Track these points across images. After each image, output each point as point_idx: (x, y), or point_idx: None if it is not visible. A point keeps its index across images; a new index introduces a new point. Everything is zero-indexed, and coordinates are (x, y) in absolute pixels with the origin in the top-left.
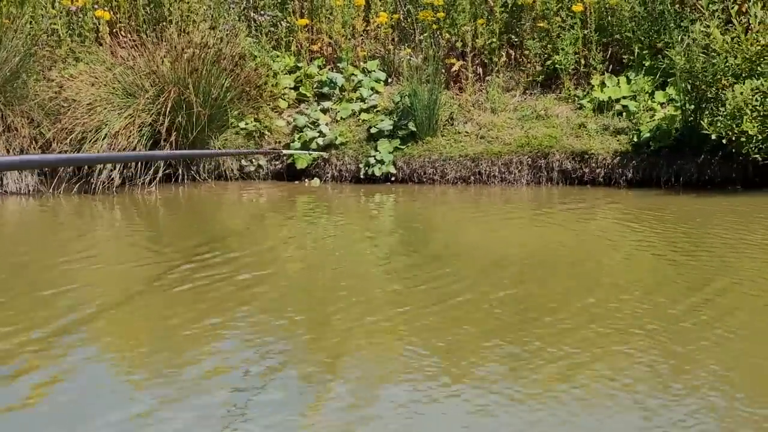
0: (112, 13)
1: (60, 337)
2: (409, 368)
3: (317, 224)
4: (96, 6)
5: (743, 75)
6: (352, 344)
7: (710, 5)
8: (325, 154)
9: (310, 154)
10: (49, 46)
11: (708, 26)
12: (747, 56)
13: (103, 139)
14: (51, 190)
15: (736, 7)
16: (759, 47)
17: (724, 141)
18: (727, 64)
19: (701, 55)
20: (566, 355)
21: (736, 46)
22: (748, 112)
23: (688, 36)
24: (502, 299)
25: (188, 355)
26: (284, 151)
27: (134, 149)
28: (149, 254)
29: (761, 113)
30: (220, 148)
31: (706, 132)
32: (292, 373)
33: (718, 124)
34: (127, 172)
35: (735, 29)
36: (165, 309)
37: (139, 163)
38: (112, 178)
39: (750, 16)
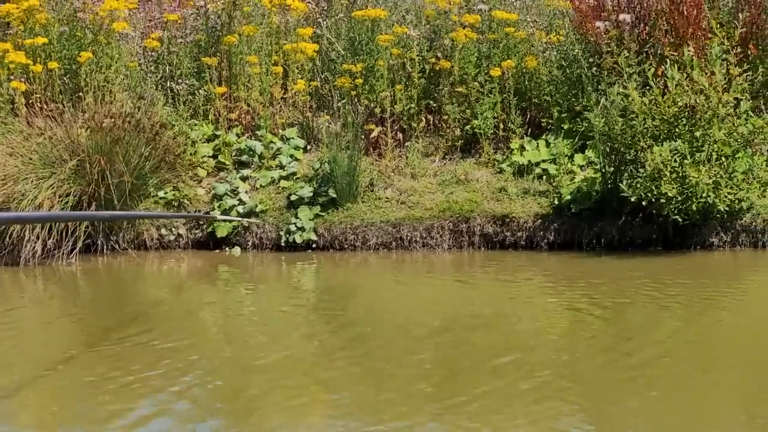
0: (27, 84)
1: None
2: None
3: (237, 295)
4: (12, 77)
5: (661, 137)
6: (271, 415)
7: (627, 68)
8: (259, 221)
9: (248, 222)
10: None
11: (626, 87)
12: (665, 117)
13: (24, 210)
14: None
15: (652, 69)
16: (676, 109)
17: (644, 203)
18: (645, 126)
19: (619, 117)
20: (484, 418)
21: (654, 107)
22: (667, 174)
23: (606, 99)
24: (423, 366)
25: None
26: (219, 217)
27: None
28: (67, 333)
29: (680, 174)
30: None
31: (626, 195)
32: None
33: (638, 187)
34: (51, 243)
35: (652, 91)
36: (83, 388)
37: (62, 234)
38: (35, 250)
39: (666, 78)
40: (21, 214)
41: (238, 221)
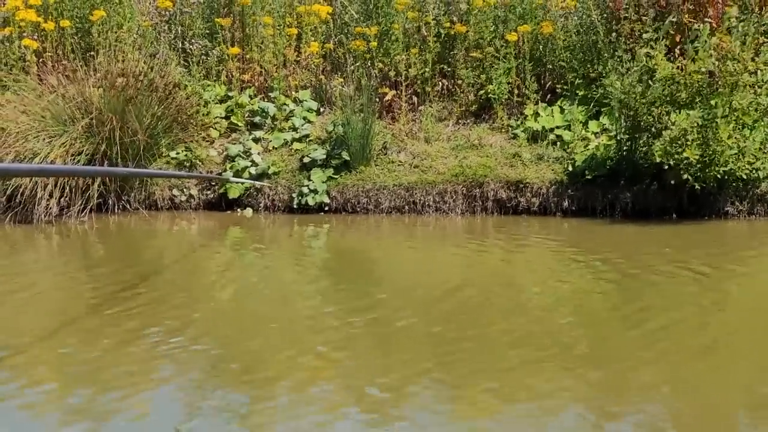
0: (39, 42)
1: None
2: (346, 403)
3: (248, 256)
4: (24, 35)
5: (681, 103)
6: (277, 375)
7: (646, 34)
8: (269, 184)
9: (254, 185)
10: None
11: (653, 48)
12: (688, 83)
13: None
14: None
15: (670, 38)
16: (700, 76)
17: (665, 167)
18: (664, 92)
19: (638, 84)
20: (498, 383)
21: (678, 73)
22: (690, 139)
23: (623, 65)
24: (434, 330)
25: (117, 395)
26: (232, 179)
27: (67, 180)
28: (78, 290)
29: (701, 141)
30: (152, 177)
31: (643, 162)
32: (227, 414)
33: (658, 151)
34: (63, 201)
35: (677, 59)
36: (95, 345)
37: (73, 193)
38: (49, 208)
39: (698, 44)
40: (44, 166)
41: (251, 183)
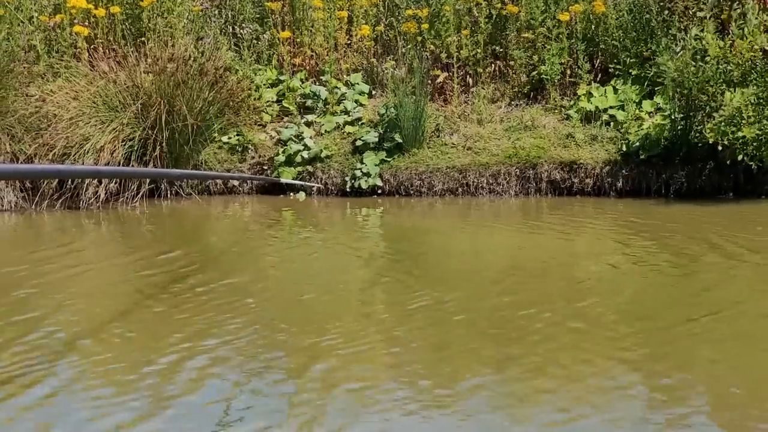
0: (90, 29)
1: (45, 355)
2: (396, 383)
3: (301, 239)
4: (75, 21)
5: (734, 81)
6: (329, 359)
7: (699, 12)
8: (316, 186)
9: (308, 189)
10: (27, 62)
11: (703, 29)
12: (740, 62)
13: (87, 154)
14: (33, 206)
15: (724, 14)
16: (752, 54)
17: (719, 147)
18: (717, 70)
19: (691, 62)
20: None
21: (729, 51)
22: (746, 117)
23: (677, 44)
24: (492, 310)
25: (173, 377)
26: (282, 180)
27: (119, 164)
28: (131, 272)
29: (758, 119)
30: (205, 162)
31: (698, 141)
32: (279, 399)
33: (713, 130)
34: (112, 187)
35: (728, 36)
36: (152, 327)
37: (124, 179)
38: (98, 194)
39: (745, 21)
40: (98, 168)
41: (301, 185)
